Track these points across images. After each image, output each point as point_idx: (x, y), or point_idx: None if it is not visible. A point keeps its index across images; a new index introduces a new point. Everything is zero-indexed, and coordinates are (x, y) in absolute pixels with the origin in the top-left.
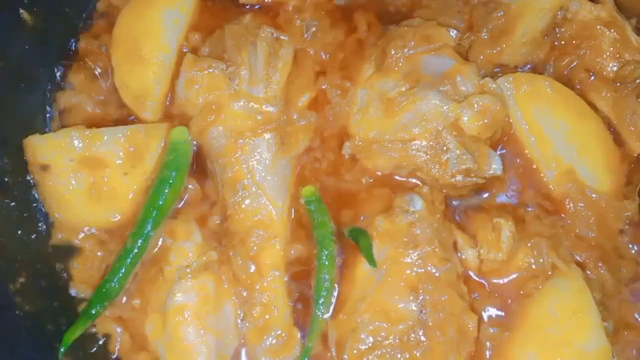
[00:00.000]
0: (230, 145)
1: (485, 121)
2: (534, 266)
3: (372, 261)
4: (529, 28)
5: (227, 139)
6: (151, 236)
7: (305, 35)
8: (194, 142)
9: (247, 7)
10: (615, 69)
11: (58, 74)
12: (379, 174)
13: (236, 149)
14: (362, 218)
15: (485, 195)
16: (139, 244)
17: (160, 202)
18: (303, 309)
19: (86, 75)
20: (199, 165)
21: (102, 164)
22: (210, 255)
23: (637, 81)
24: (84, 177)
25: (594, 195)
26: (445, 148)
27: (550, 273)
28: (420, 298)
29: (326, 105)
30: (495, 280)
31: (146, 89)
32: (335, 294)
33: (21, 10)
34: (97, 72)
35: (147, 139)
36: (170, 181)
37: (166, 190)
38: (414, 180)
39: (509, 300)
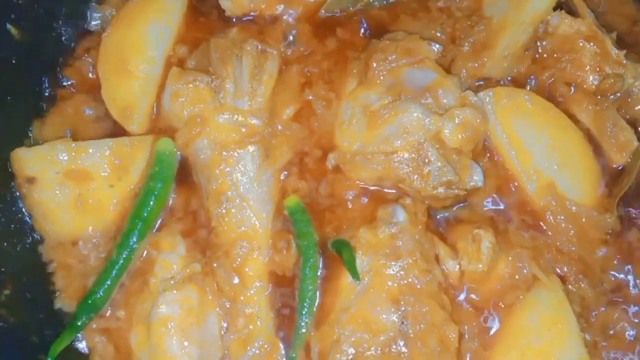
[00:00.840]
0: (214, 158)
1: (467, 134)
2: (517, 277)
3: (355, 274)
4: (510, 42)
5: (212, 152)
6: (136, 248)
7: (291, 48)
8: (179, 154)
9: (234, 20)
10: (596, 82)
11: (45, 88)
12: (363, 185)
13: (220, 161)
14: (345, 229)
15: (467, 206)
16: (124, 256)
17: (146, 214)
18: (287, 319)
19: (73, 89)
20: (184, 177)
21: (88, 176)
22: (193, 268)
23: (618, 94)
24: (70, 190)
25: (574, 208)
26: (427, 160)
27: (531, 283)
28: (402, 309)
29: (311, 117)
30: (476, 291)
31: (132, 102)
32: (317, 305)
33: (8, 25)
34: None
35: (133, 152)
36: (156, 193)
37: (151, 202)
38: (397, 192)
39: (490, 311)
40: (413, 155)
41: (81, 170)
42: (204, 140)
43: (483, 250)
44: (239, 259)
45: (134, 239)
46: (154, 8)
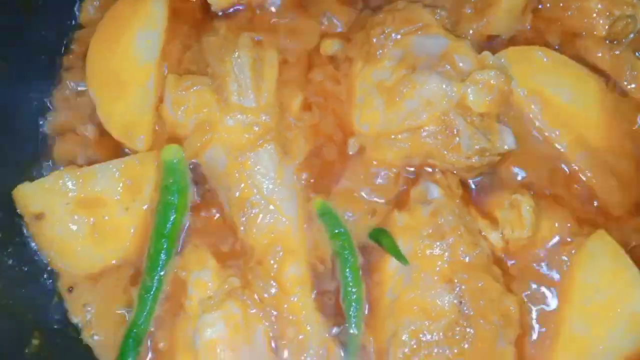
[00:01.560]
0: (231, 163)
1: (492, 96)
2: (562, 236)
3: (402, 258)
4: None
5: (227, 157)
6: (167, 268)
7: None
8: (190, 162)
9: (220, 14)
10: (606, 26)
11: (39, 115)
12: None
13: (238, 165)
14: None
15: (496, 174)
16: (157, 278)
17: (168, 230)
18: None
19: (71, 114)
20: (200, 184)
21: (100, 202)
22: (232, 282)
23: (631, 36)
24: (84, 220)
25: (603, 155)
26: (455, 131)
27: (580, 241)
28: (457, 288)
29: (324, 103)
30: (525, 258)
31: (132, 119)
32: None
33: None
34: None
35: (143, 169)
36: (174, 206)
37: (172, 217)
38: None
39: (546, 275)
40: (440, 128)
41: (92, 198)
42: (217, 147)
43: (525, 216)
44: (276, 266)
45: (163, 258)
46: (137, 17)
